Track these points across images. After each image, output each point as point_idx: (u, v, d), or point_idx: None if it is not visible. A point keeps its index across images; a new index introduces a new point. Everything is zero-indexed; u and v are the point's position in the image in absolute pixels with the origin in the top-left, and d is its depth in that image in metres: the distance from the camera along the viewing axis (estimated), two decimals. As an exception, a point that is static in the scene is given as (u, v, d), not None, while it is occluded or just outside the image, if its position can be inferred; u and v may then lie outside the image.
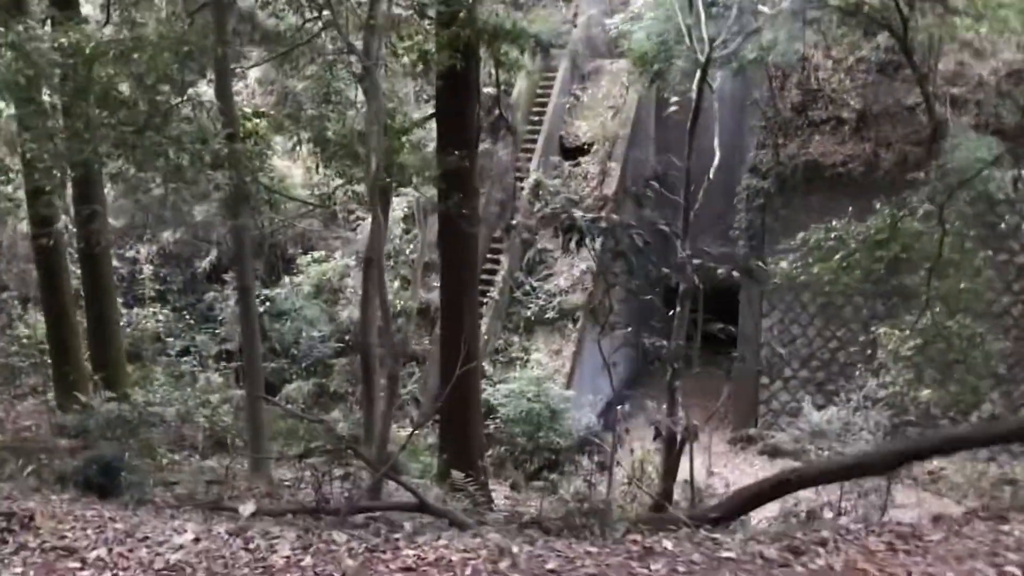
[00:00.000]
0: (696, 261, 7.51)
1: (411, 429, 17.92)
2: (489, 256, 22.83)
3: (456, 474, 10.11)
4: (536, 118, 24.14)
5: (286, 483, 10.45)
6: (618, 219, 6.42)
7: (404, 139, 11.35)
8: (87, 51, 8.31)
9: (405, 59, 11.32)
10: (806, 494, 16.68)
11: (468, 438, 12.17)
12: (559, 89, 24.38)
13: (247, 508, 6.37)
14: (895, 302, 20.01)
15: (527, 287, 22.06)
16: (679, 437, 14.29)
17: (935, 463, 19.84)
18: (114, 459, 7.59)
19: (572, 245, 6.69)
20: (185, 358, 18.49)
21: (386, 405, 8.93)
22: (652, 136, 25.97)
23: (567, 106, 24.77)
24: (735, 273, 6.86)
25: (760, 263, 7.39)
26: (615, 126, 23.74)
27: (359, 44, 11.91)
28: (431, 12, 11.30)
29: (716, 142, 13.99)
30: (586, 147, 23.78)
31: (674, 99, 14.83)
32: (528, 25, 11.40)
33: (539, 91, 24.59)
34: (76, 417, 11.54)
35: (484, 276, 22.38)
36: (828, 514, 12.88)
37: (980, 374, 9.71)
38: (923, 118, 21.76)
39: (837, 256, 9.75)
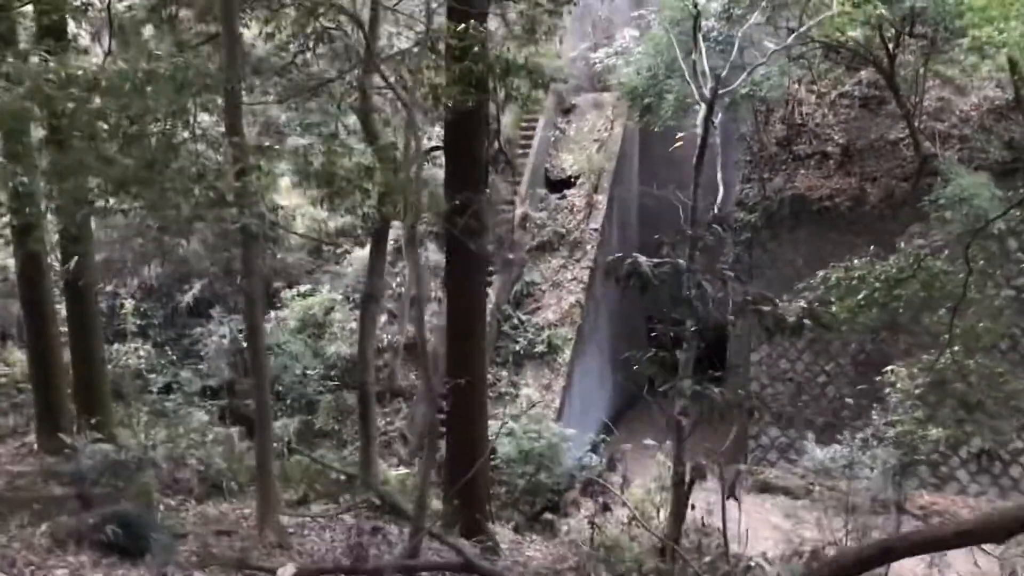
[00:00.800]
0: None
1: (402, 467, 17.62)
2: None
3: (499, 530, 9.73)
4: (521, 151, 24.01)
5: (290, 530, 10.05)
6: (684, 264, 6.17)
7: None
8: (103, 83, 7.97)
9: (417, 93, 11.05)
10: (810, 533, 16.54)
11: (476, 482, 11.80)
12: (544, 122, 24.31)
13: (287, 571, 6.00)
14: (883, 338, 20.12)
15: (515, 320, 21.79)
16: (687, 478, 14.08)
17: (926, 497, 19.77)
18: (136, 516, 7.16)
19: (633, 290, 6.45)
20: (170, 396, 17.96)
21: (425, 463, 8.54)
22: (637, 170, 25.99)
23: (552, 139, 24.70)
24: (806, 321, 6.62)
25: (828, 310, 7.23)
26: (601, 159, 23.69)
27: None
28: (441, 46, 11.09)
29: (720, 176, 13.90)
30: (572, 180, 23.69)
31: (679, 134, 14.80)
32: (540, 59, 11.22)
33: (523, 123, 24.50)
34: (69, 462, 11.06)
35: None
36: (831, 552, 12.74)
37: (1001, 413, 9.60)
38: (907, 153, 21.98)
39: (860, 296, 9.61)
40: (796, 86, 23.43)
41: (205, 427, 15.69)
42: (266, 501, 9.72)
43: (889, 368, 12.71)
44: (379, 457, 15.43)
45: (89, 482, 10.72)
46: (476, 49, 10.19)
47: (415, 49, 10.92)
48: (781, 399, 21.65)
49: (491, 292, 22.14)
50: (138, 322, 19.64)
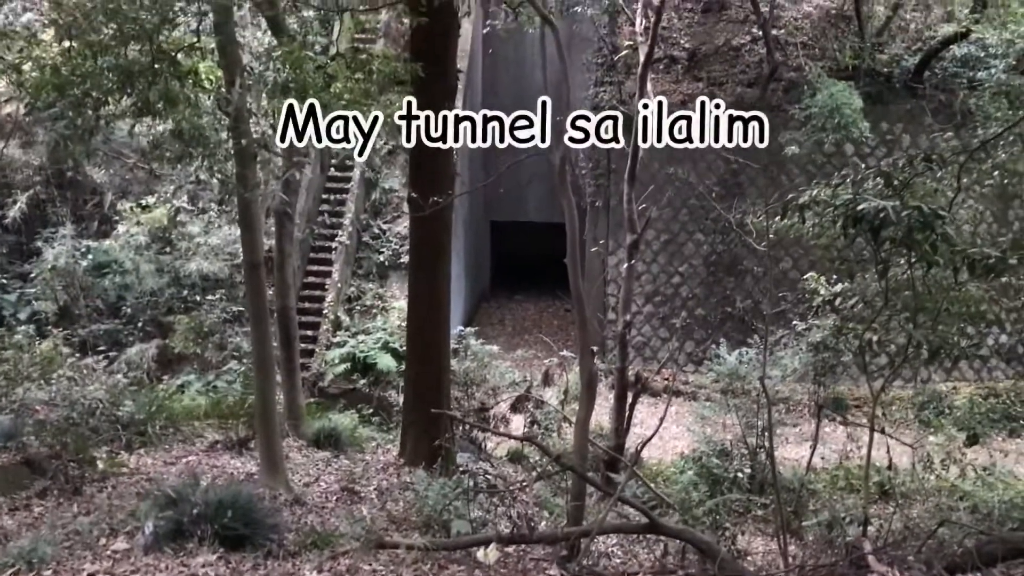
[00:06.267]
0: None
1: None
2: (327, 197, 21.31)
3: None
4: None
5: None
6: (927, 208, 5.91)
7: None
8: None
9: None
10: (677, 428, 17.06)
11: (439, 406, 11.21)
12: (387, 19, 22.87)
13: (491, 555, 5.29)
14: (733, 238, 21.16)
15: (375, 230, 20.85)
16: (629, 390, 14.19)
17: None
18: (249, 502, 6.06)
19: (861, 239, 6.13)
20: (22, 327, 15.65)
21: (584, 411, 7.85)
22: (481, 72, 25.26)
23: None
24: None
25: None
26: (451, 58, 22.70)
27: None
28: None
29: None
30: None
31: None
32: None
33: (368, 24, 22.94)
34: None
35: (325, 219, 20.89)
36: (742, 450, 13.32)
37: (961, 315, 10.25)
38: (749, 59, 22.78)
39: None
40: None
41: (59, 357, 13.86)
42: (271, 454, 8.75)
43: (809, 274, 13.20)
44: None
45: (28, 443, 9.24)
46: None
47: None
48: (637, 300, 22.25)
49: (349, 200, 21.00)
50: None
